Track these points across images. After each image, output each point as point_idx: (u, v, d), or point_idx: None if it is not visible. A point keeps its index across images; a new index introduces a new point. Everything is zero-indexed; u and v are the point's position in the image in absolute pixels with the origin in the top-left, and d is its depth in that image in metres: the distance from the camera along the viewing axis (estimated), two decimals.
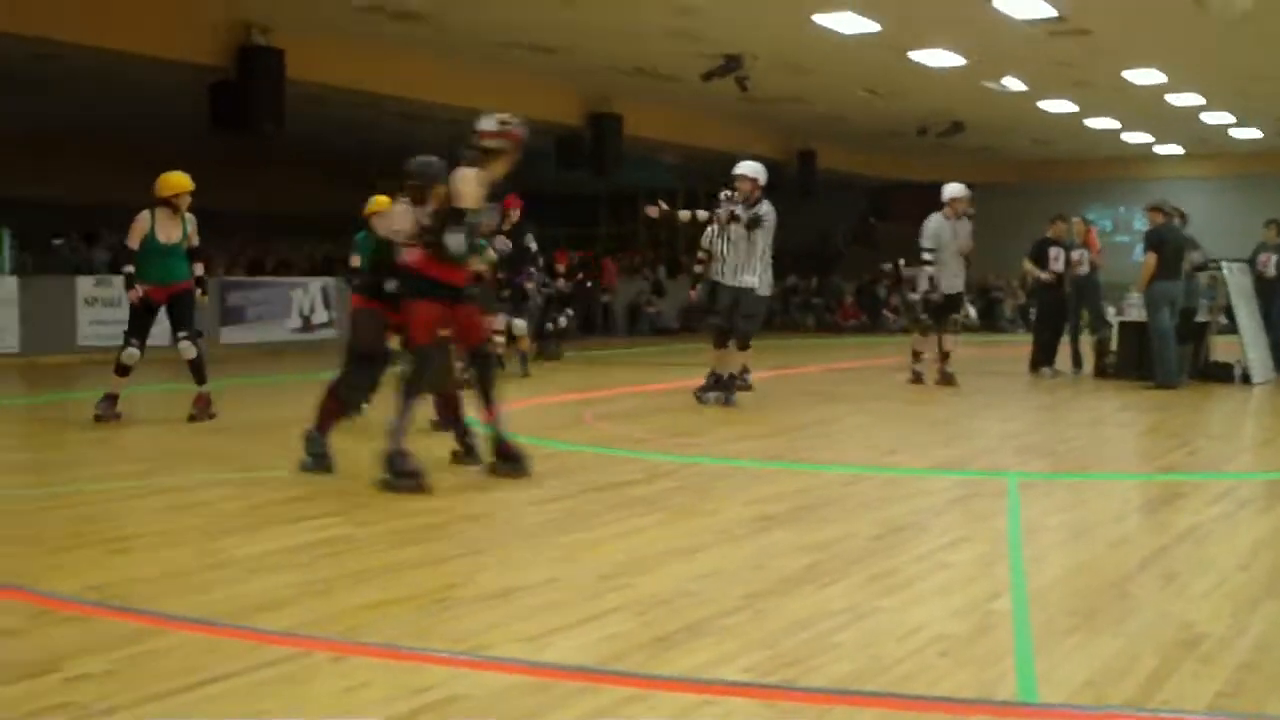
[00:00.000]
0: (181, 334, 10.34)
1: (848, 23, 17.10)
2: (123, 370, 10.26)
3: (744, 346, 11.86)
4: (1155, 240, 13.87)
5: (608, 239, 34.83)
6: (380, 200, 9.64)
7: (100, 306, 18.36)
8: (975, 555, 5.76)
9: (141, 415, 10.79)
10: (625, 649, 4.20)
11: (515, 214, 13.91)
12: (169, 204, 10.12)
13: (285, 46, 17.01)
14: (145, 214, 10.11)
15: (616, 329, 27.94)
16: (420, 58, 19.14)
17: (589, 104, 22.41)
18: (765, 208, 11.30)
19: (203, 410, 10.44)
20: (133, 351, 10.20)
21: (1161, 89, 22.35)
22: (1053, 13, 16.40)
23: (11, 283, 17.84)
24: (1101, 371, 15.25)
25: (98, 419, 10.07)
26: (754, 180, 11.28)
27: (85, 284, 18.45)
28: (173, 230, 10.14)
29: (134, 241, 10.13)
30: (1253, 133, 28.02)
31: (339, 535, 6.07)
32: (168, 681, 3.79)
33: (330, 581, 5.14)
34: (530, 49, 18.71)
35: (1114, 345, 15.30)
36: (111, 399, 10.29)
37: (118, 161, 23.82)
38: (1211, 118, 25.92)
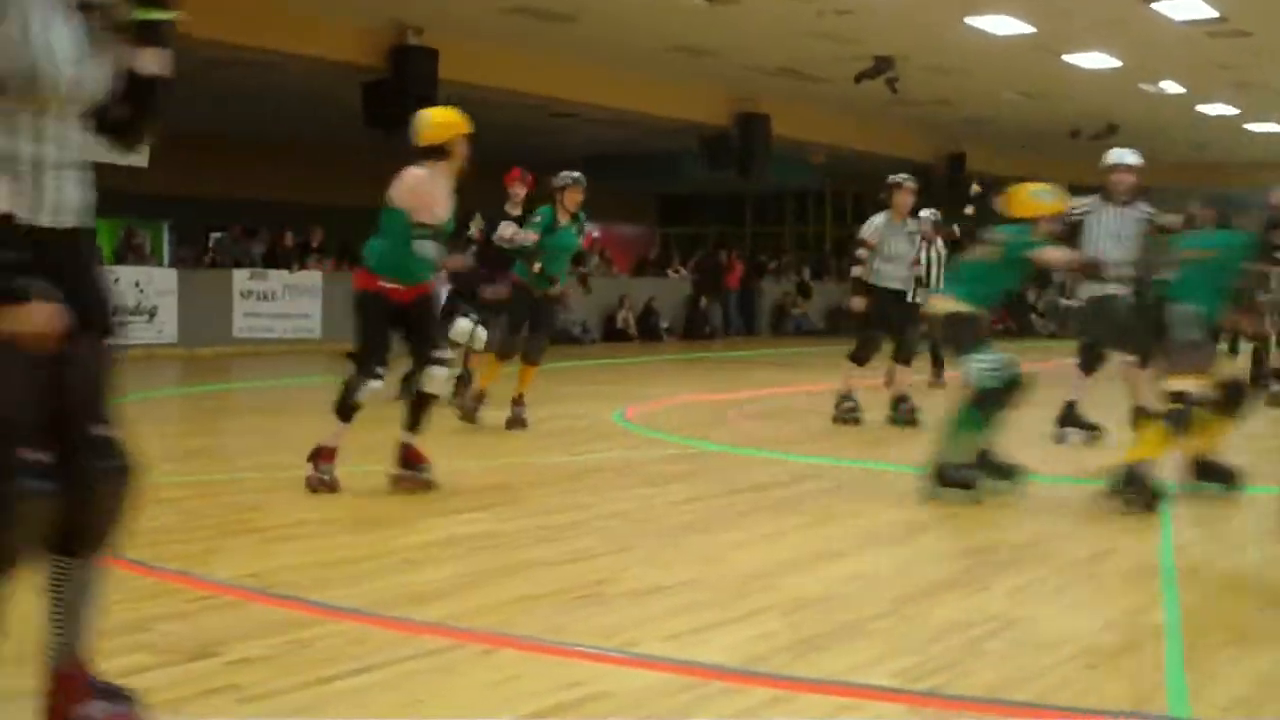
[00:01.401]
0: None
1: (1001, 25, 16.92)
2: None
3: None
4: None
5: (753, 239, 34.82)
6: None
7: (255, 300, 18.85)
8: (1126, 567, 5.67)
9: (298, 406, 11.04)
10: (771, 650, 4.22)
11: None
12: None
13: (438, 46, 17.28)
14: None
15: (759, 329, 27.95)
16: (569, 59, 19.32)
17: (736, 104, 22.41)
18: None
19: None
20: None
21: None
22: (1213, 14, 16.05)
23: (171, 275, 18.38)
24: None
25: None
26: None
27: (241, 277, 18.94)
28: None
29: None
30: None
31: (488, 530, 6.17)
32: (322, 669, 3.89)
33: (480, 575, 5.23)
34: (679, 50, 18.78)
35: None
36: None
37: (273, 160, 24.40)
38: None
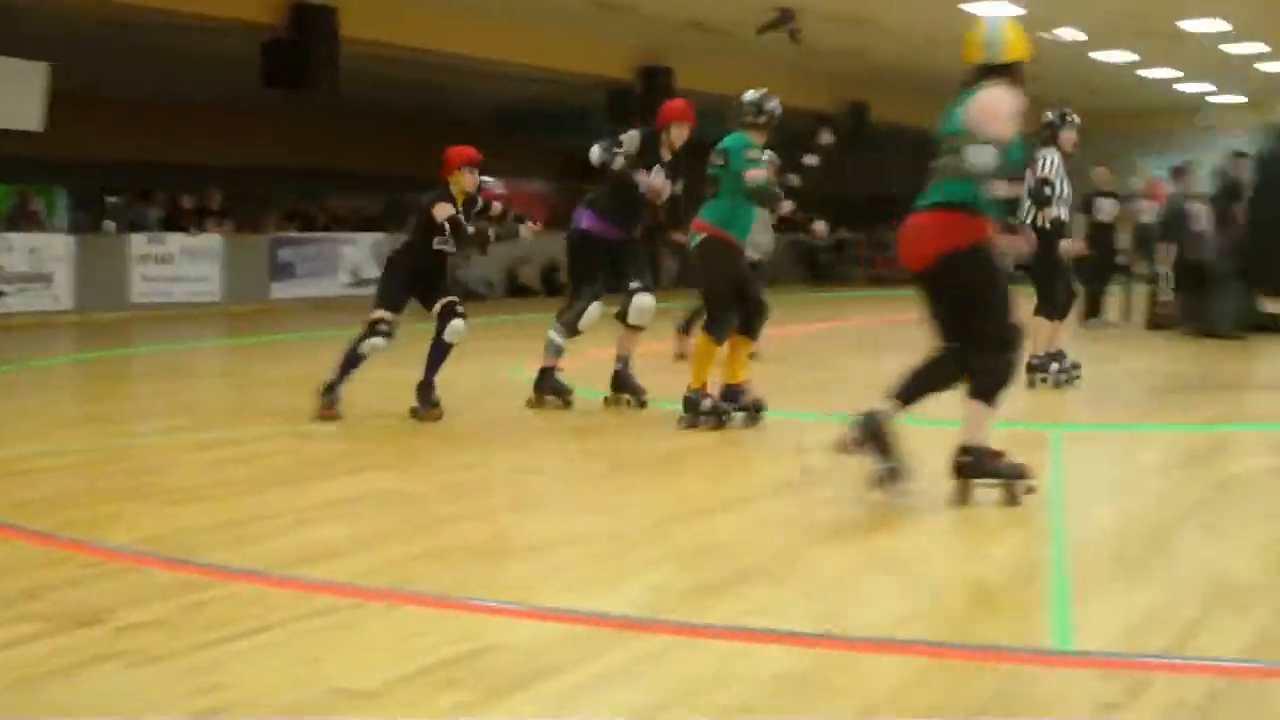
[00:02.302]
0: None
1: None
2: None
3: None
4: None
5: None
6: None
7: (153, 264, 18.61)
8: (1018, 507, 5.78)
9: (198, 369, 10.94)
10: (668, 598, 4.27)
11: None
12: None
13: (338, 4, 17.03)
14: None
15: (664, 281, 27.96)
16: (471, 14, 19.13)
17: (641, 58, 22.32)
18: None
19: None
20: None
21: (1221, 37, 22.07)
22: None
23: (66, 241, 18.08)
24: (1155, 322, 15.16)
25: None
26: None
27: (139, 241, 18.68)
28: None
29: None
30: None
31: (389, 489, 6.17)
32: (216, 631, 3.88)
33: (381, 533, 5.23)
34: (586, 4, 18.67)
35: (1164, 295, 15.19)
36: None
37: (172, 122, 23.99)
38: (1269, 67, 25.61)
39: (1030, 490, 5.63)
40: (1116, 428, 8.22)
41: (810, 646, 3.78)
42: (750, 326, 7.87)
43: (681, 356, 10.94)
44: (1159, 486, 6.35)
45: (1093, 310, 15.40)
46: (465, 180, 8.14)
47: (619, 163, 8.28)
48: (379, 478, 6.42)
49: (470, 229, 8.06)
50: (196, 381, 10.37)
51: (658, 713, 3.25)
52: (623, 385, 8.73)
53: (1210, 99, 30.44)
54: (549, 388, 8.63)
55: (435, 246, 8.05)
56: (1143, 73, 26.29)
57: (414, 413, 8.03)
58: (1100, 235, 15.25)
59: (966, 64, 5.87)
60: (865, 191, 29.95)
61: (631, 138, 8.44)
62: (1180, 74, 26.82)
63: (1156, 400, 9.52)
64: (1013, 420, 8.04)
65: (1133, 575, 4.64)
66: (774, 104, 7.93)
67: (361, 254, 21.22)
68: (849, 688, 3.45)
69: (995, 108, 5.53)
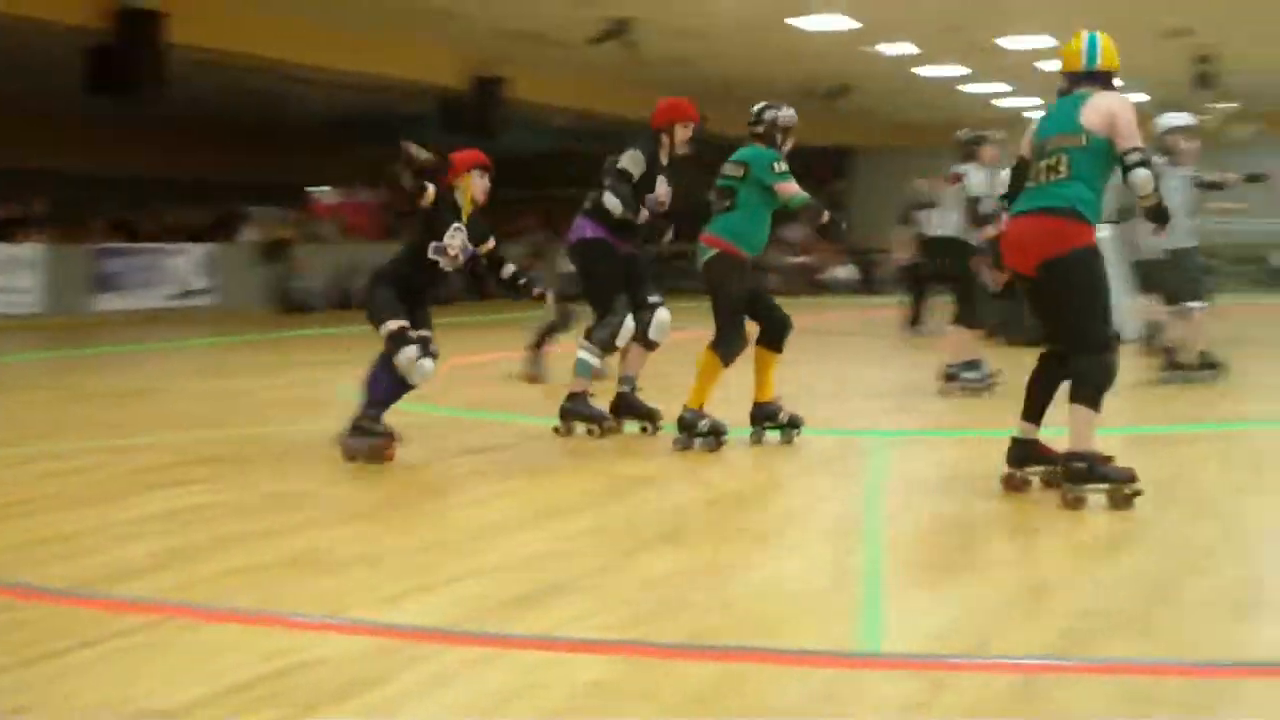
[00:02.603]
0: None
1: None
2: None
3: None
4: None
5: (500, 203, 34.53)
6: None
7: None
8: (836, 512, 5.91)
9: (14, 383, 10.65)
10: (482, 609, 4.27)
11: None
12: None
13: (167, 9, 16.70)
14: None
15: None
16: (302, 21, 18.90)
17: (475, 67, 22.26)
18: None
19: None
20: None
21: (1037, 54, 22.73)
22: None
23: None
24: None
25: None
26: None
27: None
28: None
29: None
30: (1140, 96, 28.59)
31: (206, 503, 6.06)
32: (22, 652, 3.79)
33: (194, 548, 5.14)
34: (415, 11, 18.56)
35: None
36: None
37: None
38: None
39: (1138, 493, 5.74)
40: (935, 434, 8.42)
41: (621, 654, 3.82)
42: (775, 340, 7.59)
43: (533, 379, 10.72)
44: (974, 490, 6.52)
45: (916, 319, 15.77)
46: (475, 186, 7.21)
47: (645, 216, 7.77)
48: (196, 492, 6.31)
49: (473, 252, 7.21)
50: (12, 395, 10.09)
51: None
52: (630, 409, 8.02)
53: (1025, 115, 31.26)
54: (587, 413, 7.93)
55: (431, 255, 7.05)
56: (965, 88, 26.93)
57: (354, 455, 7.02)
58: (927, 246, 15.57)
59: (1064, 71, 6.13)
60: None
61: (634, 159, 7.81)
62: (1007, 89, 27.53)
63: (973, 406, 9.74)
64: (832, 428, 8.25)
65: (942, 577, 4.78)
66: (774, 113, 7.56)
67: (191, 265, 20.83)
68: (655, 692, 3.50)
69: (1130, 115, 5.81)
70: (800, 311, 8.70)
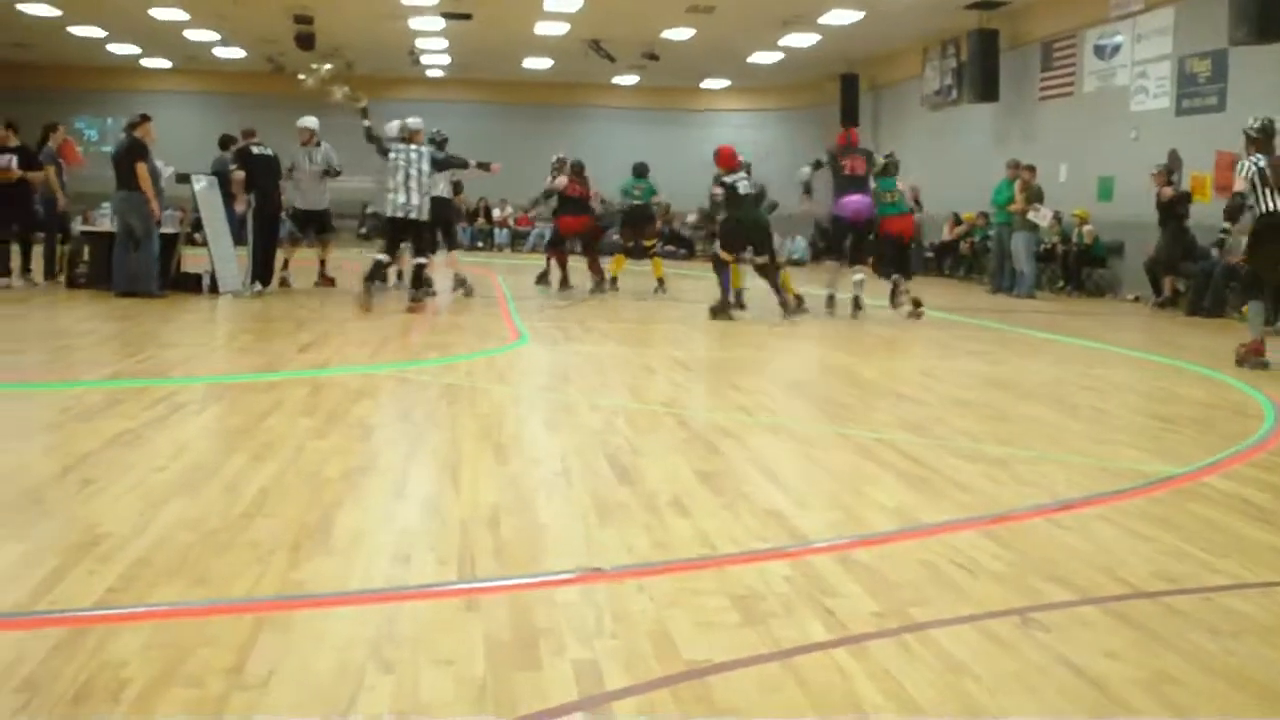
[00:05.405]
0: None
1: None
2: None
3: None
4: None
5: None
6: None
7: None
8: None
9: None
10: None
11: None
12: None
13: None
14: None
15: None
16: None
17: None
18: None
19: None
20: None
21: (146, 4, 22.41)
22: None
23: None
24: (73, 281, 15.26)
25: None
26: None
27: None
28: None
29: None
30: (236, 52, 28.95)
31: None
32: None
33: None
34: None
35: (85, 255, 15.34)
36: None
37: None
38: (195, 35, 26.49)
39: None
40: (18, 387, 8.07)
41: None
42: None
43: None
44: (48, 441, 6.32)
45: None
46: None
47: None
48: None
49: None
50: None
51: None
52: None
53: (143, 62, 30.86)
54: None
55: None
56: (72, 29, 26.05)
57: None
58: None
59: None
60: None
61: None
62: (107, 34, 26.90)
63: (66, 357, 9.43)
64: None
65: (5, 530, 4.58)
66: None
67: None
68: None
69: None
70: None
